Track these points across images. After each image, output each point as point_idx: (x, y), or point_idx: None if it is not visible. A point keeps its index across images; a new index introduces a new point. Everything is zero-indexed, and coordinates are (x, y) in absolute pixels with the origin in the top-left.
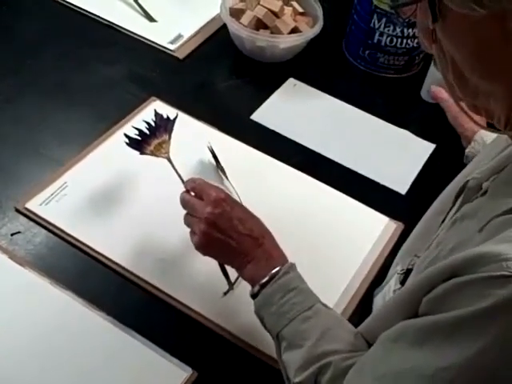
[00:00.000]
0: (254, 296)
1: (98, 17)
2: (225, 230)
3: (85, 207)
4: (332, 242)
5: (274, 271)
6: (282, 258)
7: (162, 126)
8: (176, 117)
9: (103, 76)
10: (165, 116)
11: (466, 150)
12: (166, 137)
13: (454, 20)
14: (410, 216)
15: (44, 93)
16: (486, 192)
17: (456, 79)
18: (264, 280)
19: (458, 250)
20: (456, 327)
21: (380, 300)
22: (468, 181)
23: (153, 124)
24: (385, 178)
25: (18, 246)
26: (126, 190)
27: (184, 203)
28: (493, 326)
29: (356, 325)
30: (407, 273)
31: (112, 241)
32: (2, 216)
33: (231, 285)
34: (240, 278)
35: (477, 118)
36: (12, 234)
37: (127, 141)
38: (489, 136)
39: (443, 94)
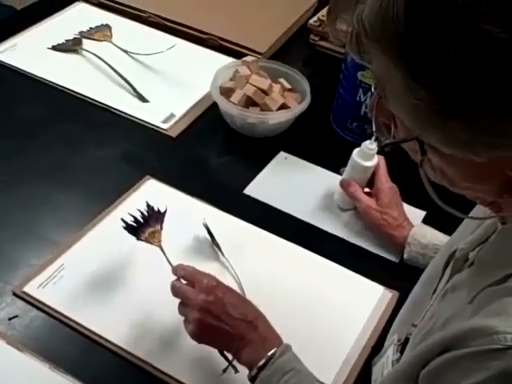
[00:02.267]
0: (252, 379)
1: (93, 100)
2: (219, 317)
3: (82, 289)
4: (328, 315)
5: (270, 353)
6: (277, 340)
7: (154, 216)
8: (166, 210)
9: (99, 157)
10: (156, 208)
11: (405, 255)
12: (157, 227)
13: (445, 153)
14: (405, 284)
15: (42, 175)
16: (473, 263)
17: (444, 182)
18: (261, 363)
19: (450, 323)
20: None
21: (379, 370)
22: (454, 251)
23: (146, 213)
24: (378, 247)
25: (16, 331)
26: (122, 270)
27: (175, 291)
28: None
29: None
30: (405, 342)
31: (110, 322)
32: (0, 301)
33: (230, 363)
34: None
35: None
36: (10, 319)
37: (124, 225)
38: (419, 234)
39: (359, 194)
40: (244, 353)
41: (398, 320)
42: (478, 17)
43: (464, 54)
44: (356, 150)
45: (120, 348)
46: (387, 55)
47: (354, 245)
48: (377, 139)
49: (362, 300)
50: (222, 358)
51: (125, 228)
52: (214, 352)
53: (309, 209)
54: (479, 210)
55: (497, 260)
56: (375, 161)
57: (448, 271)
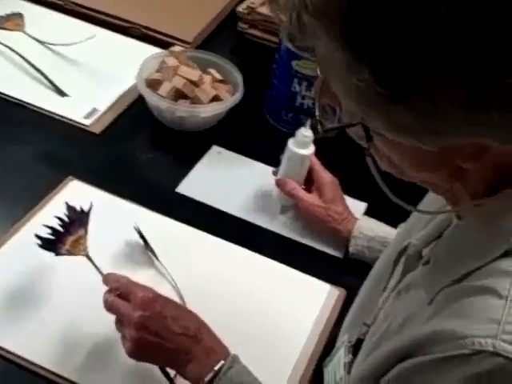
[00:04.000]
0: None
1: (6, 95)
2: (158, 333)
3: (11, 304)
4: (275, 317)
5: (217, 367)
6: (224, 351)
7: (77, 220)
8: (91, 208)
9: (12, 158)
10: (78, 209)
11: (351, 249)
12: (82, 232)
13: (393, 140)
14: (351, 281)
15: None
16: (428, 261)
17: (392, 170)
18: (208, 377)
19: (408, 325)
20: None
21: (331, 372)
22: (406, 247)
23: (66, 219)
24: (321, 243)
25: None
26: (43, 284)
27: (108, 307)
28: None
29: None
30: (357, 343)
31: (31, 341)
32: None
33: (171, 380)
34: None
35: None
36: None
37: (39, 242)
38: (365, 227)
39: (298, 192)
40: (189, 368)
41: (348, 319)
42: None
43: (410, 34)
44: (291, 140)
45: (43, 369)
46: (330, 33)
47: (295, 242)
48: (320, 123)
49: (308, 299)
50: (162, 375)
51: (40, 246)
52: (153, 368)
53: (246, 206)
54: (430, 201)
55: (453, 258)
56: (312, 149)
57: (399, 268)
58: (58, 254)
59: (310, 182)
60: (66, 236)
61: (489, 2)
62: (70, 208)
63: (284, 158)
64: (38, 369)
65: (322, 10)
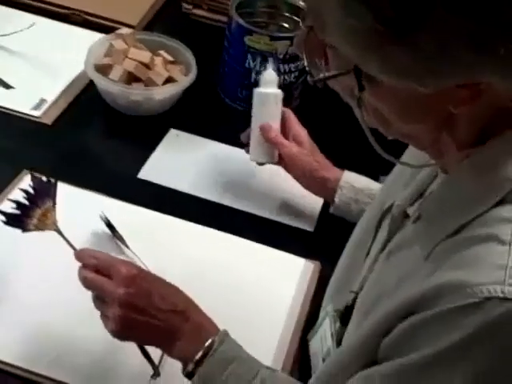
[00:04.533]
0: (189, 375)
1: None
2: (144, 310)
3: None
4: (253, 295)
5: (207, 344)
6: (213, 328)
7: (44, 191)
8: (56, 181)
9: None
10: (44, 179)
11: (336, 200)
12: (49, 203)
13: (383, 87)
14: (325, 252)
15: None
16: (418, 218)
17: (379, 124)
18: (198, 356)
19: (404, 283)
20: (426, 367)
21: (317, 344)
22: (388, 208)
23: (31, 191)
24: (290, 218)
25: None
26: (9, 273)
27: (87, 284)
28: (469, 359)
29: (300, 374)
30: (346, 311)
31: (3, 339)
32: None
33: (156, 369)
34: (165, 358)
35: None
36: None
37: (4, 219)
38: (353, 178)
39: (282, 139)
40: (177, 346)
41: (331, 289)
42: None
43: None
44: (257, 89)
45: (20, 368)
46: None
47: (263, 218)
48: (310, 73)
49: (284, 275)
50: (146, 363)
51: (5, 222)
52: (134, 355)
53: (210, 186)
54: (409, 159)
55: (446, 211)
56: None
57: (384, 231)
58: (25, 230)
59: (285, 136)
60: (34, 209)
61: None
62: (35, 179)
63: (255, 107)
64: (13, 369)
65: None
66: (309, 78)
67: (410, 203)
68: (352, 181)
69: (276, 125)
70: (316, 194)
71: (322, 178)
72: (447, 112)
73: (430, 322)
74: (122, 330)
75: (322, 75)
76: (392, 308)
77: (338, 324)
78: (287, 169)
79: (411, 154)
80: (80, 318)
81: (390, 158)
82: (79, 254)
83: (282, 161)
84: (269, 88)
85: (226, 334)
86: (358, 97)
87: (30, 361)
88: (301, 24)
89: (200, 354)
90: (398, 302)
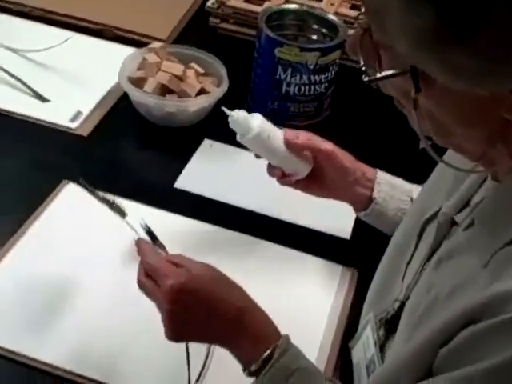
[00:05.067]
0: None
1: None
2: (193, 322)
3: (17, 314)
4: (293, 303)
5: (266, 354)
6: (272, 334)
7: None
8: None
9: (2, 169)
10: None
11: (376, 195)
12: None
13: (439, 89)
14: (361, 260)
15: None
16: (470, 225)
17: (434, 129)
18: (255, 367)
19: (460, 292)
20: (493, 377)
21: (360, 352)
22: (432, 216)
23: None
24: (326, 226)
25: None
26: (57, 288)
27: (140, 287)
28: None
29: (342, 381)
30: (393, 319)
31: (54, 345)
32: None
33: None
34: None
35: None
36: None
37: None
38: (387, 175)
39: (310, 141)
40: (234, 352)
41: (371, 297)
42: None
43: None
44: (242, 139)
45: (71, 373)
46: None
47: (300, 227)
48: (366, 73)
49: (323, 282)
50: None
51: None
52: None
53: (244, 194)
54: (446, 173)
55: (502, 219)
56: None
57: (429, 238)
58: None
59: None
60: None
61: None
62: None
63: (257, 151)
64: (64, 373)
65: None
66: (364, 77)
67: (456, 211)
68: (387, 177)
69: (280, 159)
70: (350, 195)
71: (362, 173)
72: (501, 118)
73: (495, 329)
74: (172, 336)
75: (378, 75)
76: (450, 317)
77: (381, 331)
78: (325, 165)
79: (454, 159)
80: (136, 327)
81: (439, 159)
82: (140, 245)
83: (319, 160)
84: (250, 132)
85: (287, 342)
86: (414, 98)
87: (80, 365)
88: (356, 24)
89: (258, 364)
90: (456, 311)
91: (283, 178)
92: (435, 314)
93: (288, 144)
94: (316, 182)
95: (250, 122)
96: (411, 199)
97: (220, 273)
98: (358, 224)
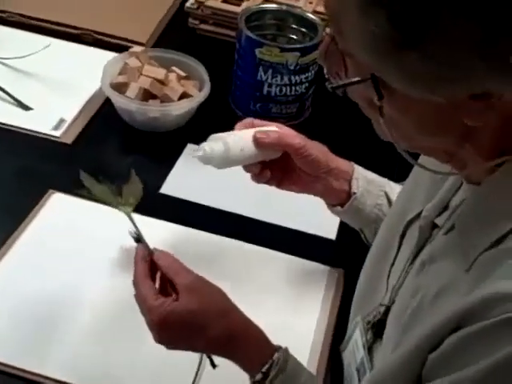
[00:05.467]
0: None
1: None
2: (182, 345)
3: (10, 329)
4: (281, 305)
5: (262, 371)
6: (266, 353)
7: None
8: None
9: None
10: None
11: (355, 189)
12: None
13: (400, 97)
14: (348, 260)
15: None
16: (450, 229)
17: (398, 136)
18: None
19: (444, 296)
20: (483, 381)
21: (350, 354)
22: (412, 219)
23: None
24: (312, 227)
25: None
26: (51, 298)
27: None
28: None
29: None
30: (379, 323)
31: (56, 359)
32: None
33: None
34: None
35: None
36: None
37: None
38: (361, 169)
39: (282, 138)
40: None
41: (357, 299)
42: None
43: None
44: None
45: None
46: None
47: (286, 228)
48: (328, 81)
49: (310, 283)
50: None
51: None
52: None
53: (230, 198)
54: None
55: (482, 222)
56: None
57: (411, 241)
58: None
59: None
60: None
61: None
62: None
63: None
64: None
65: None
66: (327, 84)
67: (436, 213)
68: (363, 172)
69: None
70: (325, 188)
71: (336, 165)
72: (463, 125)
73: (483, 334)
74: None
75: (340, 82)
76: (436, 323)
77: (369, 335)
78: (296, 159)
79: (430, 162)
80: (132, 334)
81: (416, 163)
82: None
83: (289, 155)
84: (214, 153)
85: (285, 359)
86: (379, 106)
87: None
88: (325, 31)
89: (257, 378)
90: (442, 316)
91: (258, 175)
92: (422, 320)
93: (258, 145)
94: (289, 177)
95: (217, 152)
96: (385, 193)
97: (209, 289)
98: (344, 224)
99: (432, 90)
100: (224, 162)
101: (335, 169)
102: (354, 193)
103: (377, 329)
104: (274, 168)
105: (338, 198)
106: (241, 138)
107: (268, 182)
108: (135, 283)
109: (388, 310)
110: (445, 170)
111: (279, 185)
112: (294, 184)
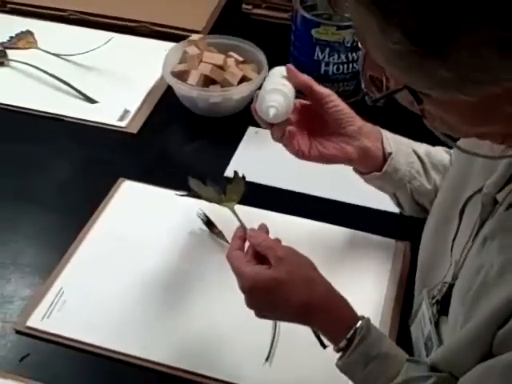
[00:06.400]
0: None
1: (37, 111)
2: (269, 311)
3: (92, 309)
4: (351, 280)
5: (343, 343)
6: (349, 320)
7: None
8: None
9: (61, 170)
10: None
11: (390, 149)
12: None
13: (437, 98)
14: (413, 233)
15: (4, 203)
16: (511, 205)
17: (448, 130)
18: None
19: (510, 271)
20: None
21: (418, 329)
22: (470, 196)
23: None
24: (376, 201)
25: (32, 371)
26: (129, 280)
27: (228, 259)
28: None
29: None
30: (443, 301)
31: (135, 338)
32: (4, 342)
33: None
34: None
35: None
36: (21, 359)
37: None
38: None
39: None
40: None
41: (420, 275)
42: None
43: None
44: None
45: (154, 363)
46: (361, 2)
47: (348, 204)
48: (367, 94)
49: (377, 257)
50: (262, 349)
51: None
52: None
53: (293, 177)
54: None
55: None
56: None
57: (469, 217)
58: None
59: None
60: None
61: None
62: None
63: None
64: (146, 363)
65: None
66: (367, 98)
67: (497, 189)
68: (388, 132)
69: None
70: (358, 154)
71: (367, 127)
72: (507, 112)
73: None
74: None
75: (379, 95)
76: (503, 298)
77: (434, 310)
78: (327, 111)
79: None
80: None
81: (466, 152)
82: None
83: (316, 102)
84: (281, 107)
85: (367, 328)
86: (420, 109)
87: (166, 356)
88: (359, 44)
89: (341, 345)
90: (508, 292)
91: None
92: (488, 296)
93: (291, 77)
94: (320, 138)
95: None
96: (413, 151)
97: (298, 259)
98: None
99: (462, 92)
100: (287, 111)
101: (365, 127)
102: (390, 153)
103: (441, 306)
104: (304, 130)
105: (374, 162)
106: (284, 84)
107: (298, 149)
108: (229, 256)
109: (451, 286)
110: (494, 154)
111: (310, 150)
112: (326, 148)
